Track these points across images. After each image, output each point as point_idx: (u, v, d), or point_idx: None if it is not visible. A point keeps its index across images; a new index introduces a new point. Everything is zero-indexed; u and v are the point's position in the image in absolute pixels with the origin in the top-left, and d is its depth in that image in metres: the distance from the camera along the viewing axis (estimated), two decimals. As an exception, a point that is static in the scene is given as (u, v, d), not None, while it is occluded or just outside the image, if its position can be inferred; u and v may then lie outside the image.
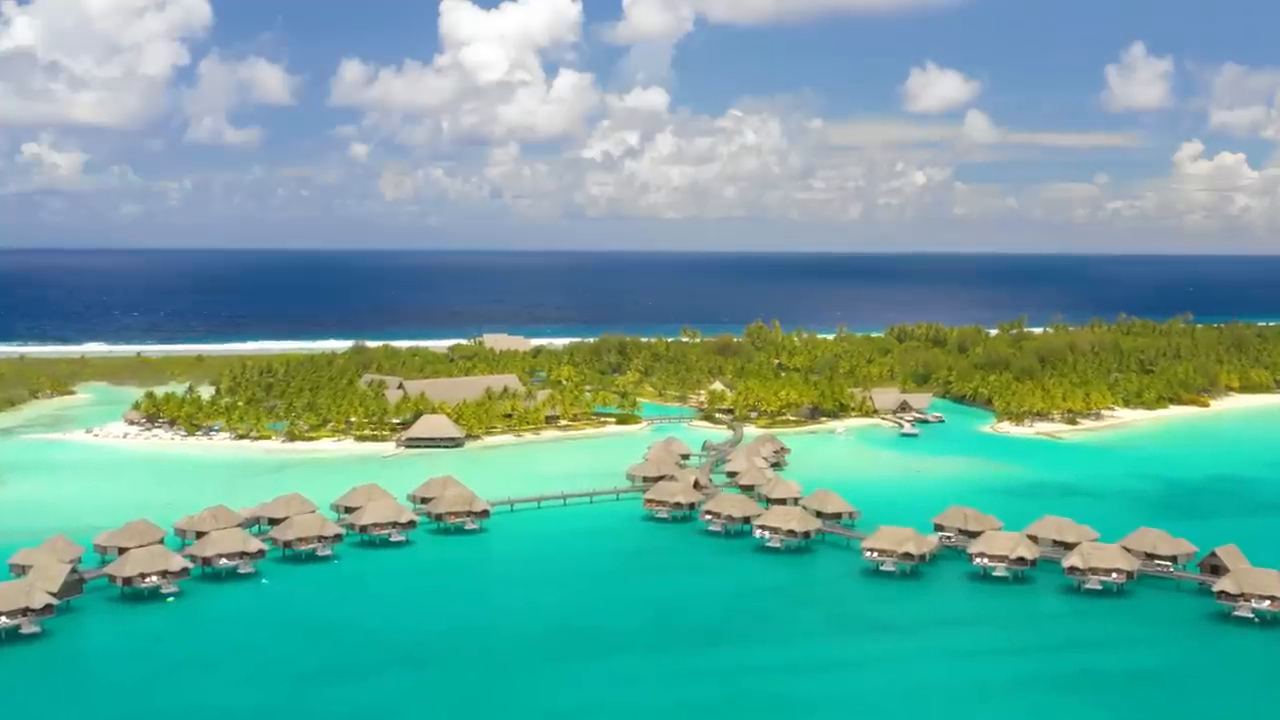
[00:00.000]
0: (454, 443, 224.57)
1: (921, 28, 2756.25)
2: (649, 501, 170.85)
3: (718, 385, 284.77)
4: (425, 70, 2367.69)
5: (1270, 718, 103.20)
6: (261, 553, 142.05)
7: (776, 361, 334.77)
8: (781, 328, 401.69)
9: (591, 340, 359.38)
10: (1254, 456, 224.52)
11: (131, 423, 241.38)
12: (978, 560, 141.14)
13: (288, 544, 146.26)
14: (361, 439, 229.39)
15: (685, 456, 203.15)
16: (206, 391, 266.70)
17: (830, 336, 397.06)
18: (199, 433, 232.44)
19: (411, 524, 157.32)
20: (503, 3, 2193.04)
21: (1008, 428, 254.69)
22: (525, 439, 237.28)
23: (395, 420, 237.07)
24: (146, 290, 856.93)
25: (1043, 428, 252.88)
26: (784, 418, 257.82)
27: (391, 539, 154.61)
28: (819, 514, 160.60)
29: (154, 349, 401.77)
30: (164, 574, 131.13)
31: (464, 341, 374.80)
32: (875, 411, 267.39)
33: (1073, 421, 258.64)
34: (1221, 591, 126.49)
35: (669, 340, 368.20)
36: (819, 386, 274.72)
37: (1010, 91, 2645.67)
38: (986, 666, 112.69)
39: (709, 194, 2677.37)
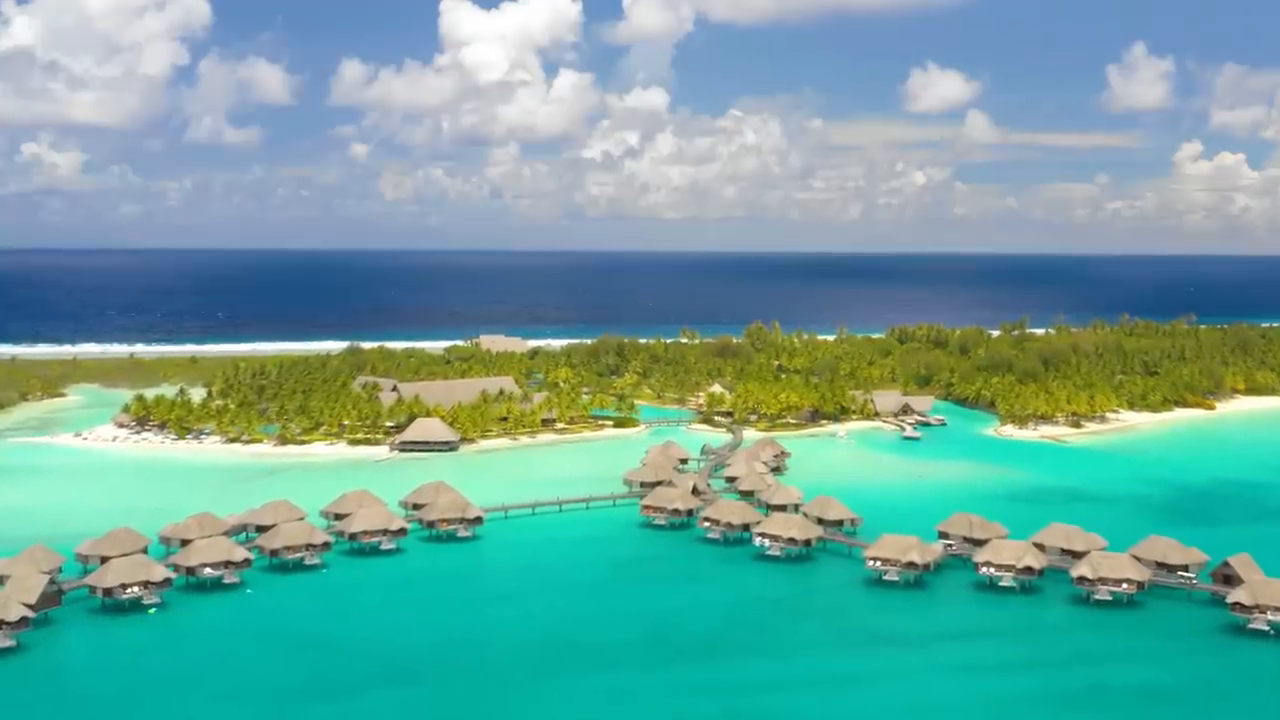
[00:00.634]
0: (448, 446, 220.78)
1: (922, 27, 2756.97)
2: (646, 508, 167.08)
3: (717, 388, 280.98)
4: (425, 70, 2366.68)
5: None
6: (247, 562, 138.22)
7: (776, 363, 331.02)
8: (781, 329, 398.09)
9: (590, 342, 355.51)
10: (1262, 460, 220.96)
11: (121, 426, 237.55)
12: (984, 570, 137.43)
13: (274, 552, 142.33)
14: (354, 442, 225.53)
15: (683, 461, 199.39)
16: (199, 394, 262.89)
17: (830, 338, 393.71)
18: (189, 436, 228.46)
19: (402, 531, 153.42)
20: (503, 3, 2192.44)
21: (1011, 431, 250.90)
22: (521, 442, 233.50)
23: (389, 423, 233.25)
24: (144, 290, 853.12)
25: (1047, 431, 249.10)
26: (784, 421, 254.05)
27: (382, 547, 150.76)
28: (820, 521, 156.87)
29: (148, 350, 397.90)
30: (146, 584, 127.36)
31: (460, 343, 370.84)
32: (877, 414, 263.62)
33: (1077, 424, 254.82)
34: (1236, 603, 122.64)
35: (668, 342, 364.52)
36: (819, 389, 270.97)
37: (1010, 91, 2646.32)
38: (994, 682, 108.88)
39: (709, 194, 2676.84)
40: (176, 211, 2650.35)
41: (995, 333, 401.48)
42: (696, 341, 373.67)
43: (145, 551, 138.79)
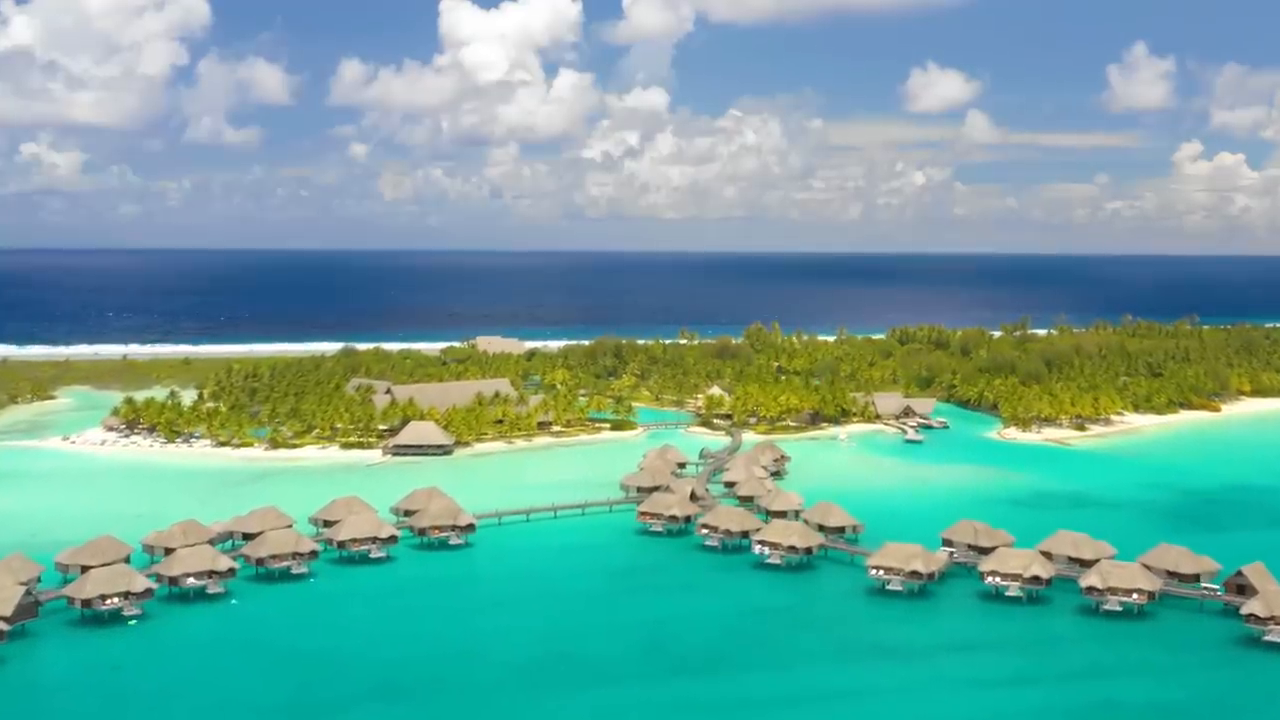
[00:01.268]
0: (442, 450, 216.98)
1: (923, 27, 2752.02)
2: (643, 514, 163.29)
3: (716, 390, 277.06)
4: (425, 70, 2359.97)
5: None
6: (232, 571, 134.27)
7: (776, 364, 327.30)
8: (781, 329, 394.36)
9: (587, 343, 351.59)
10: (1270, 464, 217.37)
11: (110, 429, 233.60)
12: (989, 579, 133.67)
13: (260, 561, 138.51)
14: (347, 446, 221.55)
15: (681, 465, 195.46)
16: (191, 396, 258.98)
17: (831, 339, 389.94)
18: (179, 440, 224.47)
19: (392, 539, 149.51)
20: (502, 2, 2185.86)
21: (1014, 434, 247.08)
22: (517, 446, 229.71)
23: (382, 427, 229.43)
24: (143, 291, 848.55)
25: (1051, 434, 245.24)
26: (784, 423, 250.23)
27: (371, 555, 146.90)
28: (821, 528, 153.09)
29: (142, 351, 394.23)
30: (126, 595, 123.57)
31: (457, 344, 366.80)
32: (878, 417, 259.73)
33: (1081, 427, 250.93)
34: (1250, 615, 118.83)
35: (666, 343, 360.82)
36: (820, 391, 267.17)
37: (1011, 91, 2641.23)
38: (1001, 697, 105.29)
39: (709, 194, 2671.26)
40: (176, 211, 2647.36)
41: (997, 333, 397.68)
42: (695, 342, 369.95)
43: (128, 560, 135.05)
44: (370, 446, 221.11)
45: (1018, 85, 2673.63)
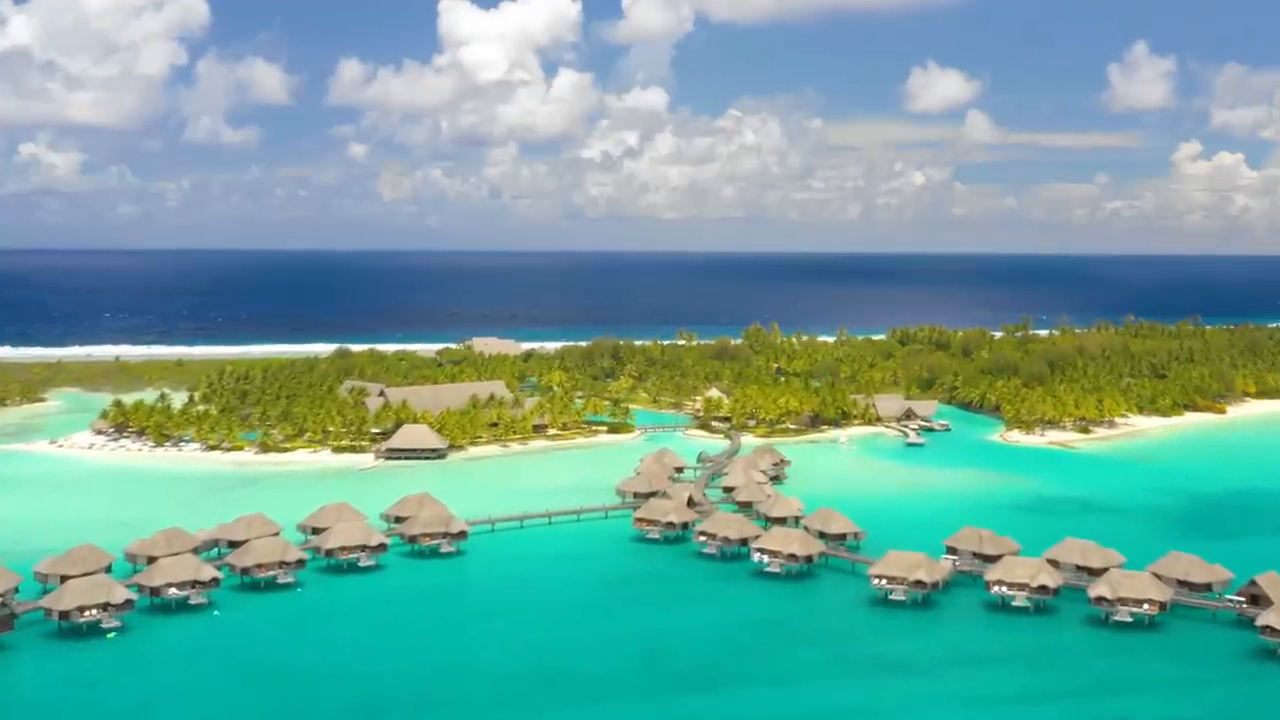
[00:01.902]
0: (436, 454, 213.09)
1: (922, 27, 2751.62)
2: (639, 521, 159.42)
3: (714, 392, 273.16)
4: (424, 70, 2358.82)
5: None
6: (216, 581, 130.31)
7: (775, 366, 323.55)
8: (780, 330, 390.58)
9: (584, 344, 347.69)
10: (1278, 468, 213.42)
11: (99, 432, 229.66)
12: (995, 589, 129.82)
13: (245, 571, 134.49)
14: (339, 450, 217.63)
15: (679, 470, 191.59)
16: (183, 399, 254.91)
17: (830, 339, 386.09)
18: (168, 443, 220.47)
19: (382, 547, 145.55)
20: (502, 2, 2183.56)
21: (1018, 436, 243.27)
22: (512, 449, 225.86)
23: (375, 430, 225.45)
24: (142, 291, 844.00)
25: (1054, 436, 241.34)
26: (783, 426, 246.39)
27: (360, 564, 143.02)
28: (822, 535, 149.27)
29: (136, 352, 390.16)
30: (105, 607, 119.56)
31: (453, 346, 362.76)
32: (879, 419, 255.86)
33: (1085, 430, 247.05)
34: (1266, 626, 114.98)
35: (664, 344, 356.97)
36: (820, 393, 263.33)
37: (1010, 91, 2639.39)
38: (1009, 714, 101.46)
39: (708, 194, 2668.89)
40: (175, 212, 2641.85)
41: (998, 334, 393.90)
42: (694, 344, 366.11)
43: (109, 570, 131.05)
44: (362, 450, 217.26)
45: (1017, 85, 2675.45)
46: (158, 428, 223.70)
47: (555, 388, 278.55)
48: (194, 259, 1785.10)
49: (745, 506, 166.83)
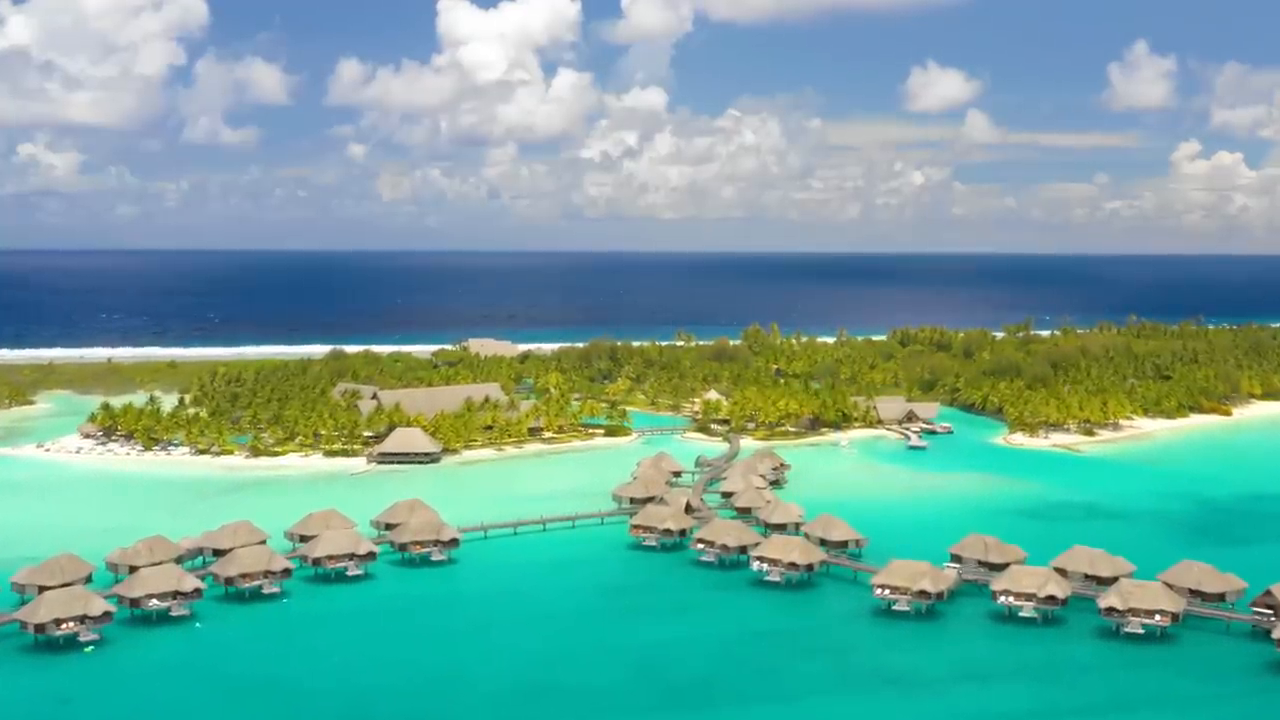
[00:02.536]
0: (429, 458, 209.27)
1: (922, 27, 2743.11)
2: (636, 527, 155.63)
3: (713, 394, 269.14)
4: (423, 70, 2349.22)
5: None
6: (198, 592, 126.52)
7: (775, 367, 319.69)
8: (780, 331, 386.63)
9: (581, 345, 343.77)
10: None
11: (86, 436, 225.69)
12: (1002, 599, 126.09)
13: (229, 580, 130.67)
14: (331, 454, 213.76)
15: (677, 474, 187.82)
16: (173, 401, 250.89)
17: (830, 340, 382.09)
18: (157, 448, 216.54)
19: (371, 555, 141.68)
20: (501, 2, 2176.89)
21: (1021, 439, 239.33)
22: (507, 453, 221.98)
23: (368, 434, 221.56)
24: (141, 292, 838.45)
25: (1059, 439, 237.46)
26: (783, 429, 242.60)
27: (349, 573, 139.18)
28: (823, 542, 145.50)
29: (129, 354, 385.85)
30: (83, 619, 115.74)
31: (448, 347, 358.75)
32: (880, 422, 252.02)
33: (1090, 432, 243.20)
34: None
35: (662, 345, 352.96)
36: (820, 395, 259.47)
37: (1010, 91, 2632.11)
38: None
39: (707, 194, 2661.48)
40: (174, 212, 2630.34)
41: (999, 335, 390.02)
42: (692, 345, 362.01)
43: (89, 580, 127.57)
44: (355, 454, 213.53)
45: (1017, 85, 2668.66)
46: (146, 431, 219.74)
47: (552, 390, 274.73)
48: (193, 259, 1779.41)
49: (744, 512, 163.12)
